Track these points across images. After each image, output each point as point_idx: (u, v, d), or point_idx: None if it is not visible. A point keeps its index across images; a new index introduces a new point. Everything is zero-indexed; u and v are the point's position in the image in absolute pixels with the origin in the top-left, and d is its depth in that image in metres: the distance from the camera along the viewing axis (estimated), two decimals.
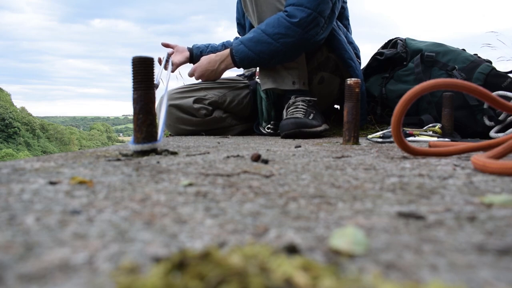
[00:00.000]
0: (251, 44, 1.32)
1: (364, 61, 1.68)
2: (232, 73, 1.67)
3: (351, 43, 1.55)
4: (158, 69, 1.34)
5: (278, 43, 1.28)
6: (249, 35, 1.34)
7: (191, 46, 1.72)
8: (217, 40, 1.84)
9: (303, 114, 1.32)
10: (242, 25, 1.79)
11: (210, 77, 1.47)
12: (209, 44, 1.79)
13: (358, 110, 0.99)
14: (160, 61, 1.58)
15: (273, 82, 1.40)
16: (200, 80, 1.53)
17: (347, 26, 1.61)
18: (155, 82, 0.67)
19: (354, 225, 0.26)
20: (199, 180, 0.43)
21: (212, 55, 1.45)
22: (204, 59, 1.46)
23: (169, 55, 1.60)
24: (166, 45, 1.67)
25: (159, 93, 1.71)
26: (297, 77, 1.39)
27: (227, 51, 1.40)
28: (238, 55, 1.35)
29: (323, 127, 1.37)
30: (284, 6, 1.30)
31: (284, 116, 1.37)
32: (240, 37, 1.48)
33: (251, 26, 1.60)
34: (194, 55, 1.68)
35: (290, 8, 1.27)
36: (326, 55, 1.48)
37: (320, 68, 1.50)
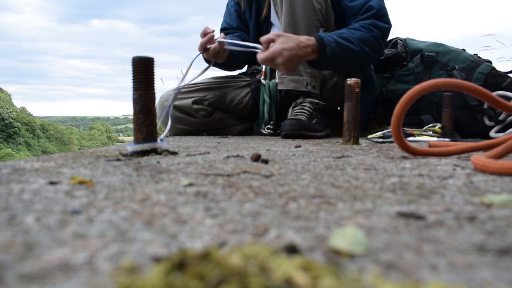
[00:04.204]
0: (342, 49, 1.16)
1: None
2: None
3: None
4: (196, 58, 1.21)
5: (361, 55, 1.22)
6: (343, 41, 1.18)
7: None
8: None
9: (307, 117, 1.31)
10: (235, 28, 1.62)
11: (292, 66, 1.14)
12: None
13: (358, 110, 0.99)
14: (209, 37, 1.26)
15: (290, 81, 1.36)
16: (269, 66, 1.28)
17: None
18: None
19: (354, 225, 0.26)
20: (199, 180, 0.43)
21: (299, 37, 1.13)
22: (290, 40, 1.10)
23: (220, 42, 1.26)
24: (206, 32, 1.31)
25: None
26: (311, 80, 1.36)
27: (313, 40, 1.15)
28: (330, 55, 1.15)
29: (325, 132, 1.36)
30: (366, 16, 1.25)
31: (289, 115, 1.36)
32: None
33: (256, 25, 1.55)
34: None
35: (377, 21, 1.24)
36: None
37: (336, 73, 1.47)
